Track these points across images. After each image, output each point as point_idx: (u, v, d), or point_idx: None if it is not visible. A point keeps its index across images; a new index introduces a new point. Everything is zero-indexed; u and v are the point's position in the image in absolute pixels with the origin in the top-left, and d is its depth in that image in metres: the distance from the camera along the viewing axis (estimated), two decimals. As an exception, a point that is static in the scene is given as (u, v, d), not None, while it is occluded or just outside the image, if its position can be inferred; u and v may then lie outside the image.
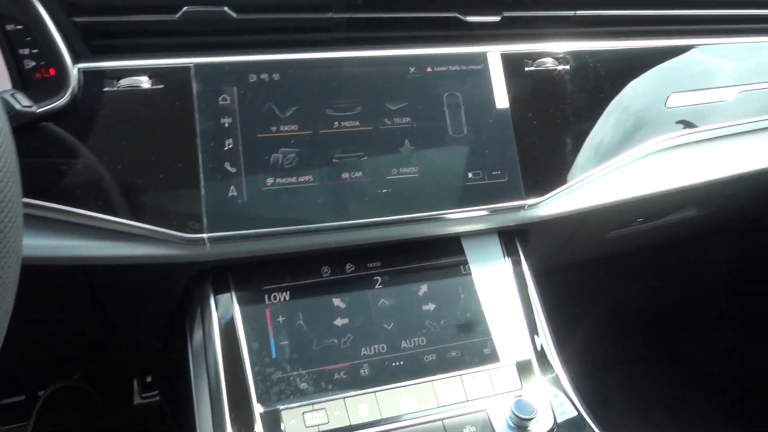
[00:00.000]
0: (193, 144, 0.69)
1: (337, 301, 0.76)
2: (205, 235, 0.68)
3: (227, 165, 0.70)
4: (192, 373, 0.73)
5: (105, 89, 0.67)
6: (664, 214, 1.03)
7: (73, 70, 0.66)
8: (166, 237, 0.68)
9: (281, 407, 0.68)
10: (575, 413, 0.72)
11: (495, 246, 0.84)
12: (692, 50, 0.90)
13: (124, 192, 0.67)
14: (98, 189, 0.66)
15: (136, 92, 0.68)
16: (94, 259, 0.68)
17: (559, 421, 0.71)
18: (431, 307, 0.78)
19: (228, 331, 0.71)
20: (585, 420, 0.71)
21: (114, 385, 1.36)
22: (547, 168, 0.81)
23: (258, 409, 0.67)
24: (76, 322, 0.99)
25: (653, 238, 1.14)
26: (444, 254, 0.81)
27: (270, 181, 0.71)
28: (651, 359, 1.69)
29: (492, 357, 0.76)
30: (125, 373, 1.38)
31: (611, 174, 0.85)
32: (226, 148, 0.70)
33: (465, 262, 0.81)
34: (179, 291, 0.77)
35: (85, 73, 0.67)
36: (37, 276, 0.67)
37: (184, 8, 0.69)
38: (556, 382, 0.75)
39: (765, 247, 1.43)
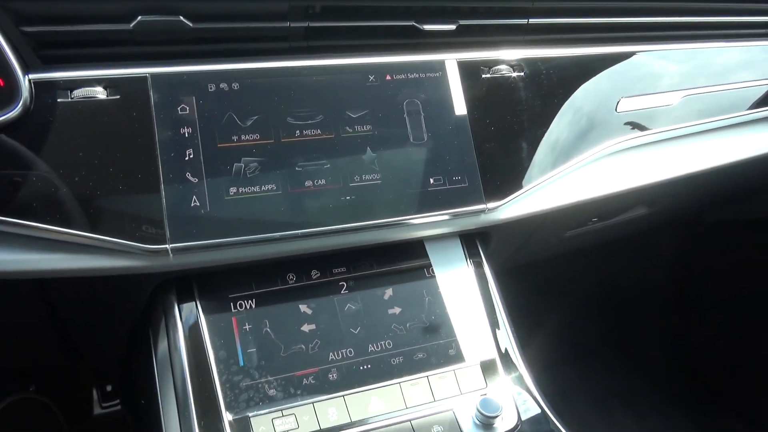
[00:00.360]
0: (152, 155, 0.69)
1: (303, 308, 0.76)
2: (168, 246, 0.68)
3: (188, 175, 0.70)
4: (158, 383, 0.73)
5: (59, 100, 0.66)
6: (617, 214, 1.07)
7: (24, 81, 0.65)
8: (127, 248, 0.67)
9: (250, 414, 0.68)
10: (538, 410, 0.75)
11: (457, 249, 0.86)
12: (639, 55, 0.95)
13: (82, 204, 0.66)
14: (55, 201, 0.65)
15: (92, 103, 0.67)
16: (53, 272, 0.66)
17: (523, 418, 0.73)
18: (397, 310, 0.79)
19: (194, 340, 0.71)
20: (548, 416, 0.74)
21: (73, 396, 1.32)
22: (506, 172, 0.84)
23: (227, 416, 0.67)
24: (31, 335, 0.97)
25: (607, 235, 1.19)
26: (408, 258, 0.83)
27: (233, 190, 0.71)
28: (605, 351, 1.75)
29: (457, 357, 0.78)
30: (84, 382, 1.35)
31: (567, 177, 0.88)
32: (186, 159, 0.70)
33: (429, 266, 0.83)
34: (143, 302, 0.76)
35: (37, 84, 0.66)
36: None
37: (139, 18, 0.68)
38: (520, 380, 0.78)
39: (706, 240, 1.50)
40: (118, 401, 1.34)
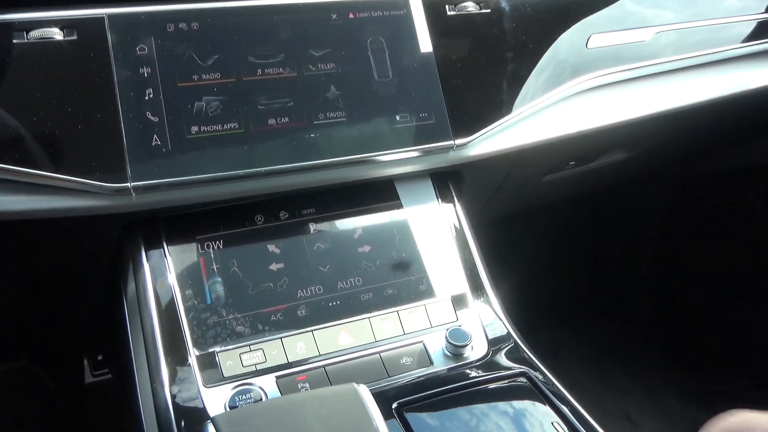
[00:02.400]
0: (111, 94, 0.68)
1: (271, 247, 0.76)
2: (129, 184, 0.68)
3: (148, 114, 0.69)
4: (128, 325, 0.73)
5: (14, 41, 0.66)
6: (594, 157, 1.06)
7: (-22, 23, 0.64)
8: (89, 188, 0.67)
9: (218, 349, 0.68)
10: (509, 339, 0.75)
11: (428, 189, 0.85)
12: (609, -9, 0.93)
13: (42, 144, 0.66)
14: (14, 142, 0.65)
15: (49, 44, 0.67)
16: (14, 214, 0.66)
17: (492, 347, 0.73)
18: (367, 248, 0.79)
19: (161, 280, 0.71)
20: (518, 344, 0.74)
21: (64, 365, 1.33)
22: (474, 109, 0.83)
23: (194, 352, 0.68)
24: (13, 299, 0.97)
25: (588, 184, 1.18)
26: (378, 198, 0.83)
27: (194, 129, 0.71)
28: (597, 310, 1.74)
29: (428, 293, 0.77)
30: (75, 352, 1.35)
31: (537, 115, 0.87)
32: (146, 98, 0.70)
33: (399, 205, 0.83)
34: (111, 248, 0.77)
35: (-8, 25, 0.65)
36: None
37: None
38: (489, 311, 0.78)
39: (696, 192, 1.48)
40: (107, 370, 1.35)
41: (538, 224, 1.53)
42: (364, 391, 0.55)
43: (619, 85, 0.94)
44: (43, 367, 1.26)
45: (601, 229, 1.65)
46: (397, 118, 0.79)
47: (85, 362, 1.36)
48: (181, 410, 0.63)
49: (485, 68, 0.84)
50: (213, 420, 0.51)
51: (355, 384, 0.56)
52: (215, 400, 0.64)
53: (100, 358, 1.37)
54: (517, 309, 0.82)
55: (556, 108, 0.89)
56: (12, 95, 0.66)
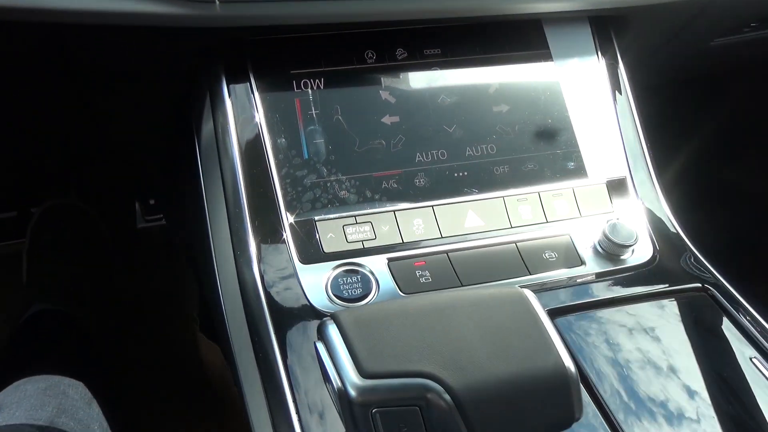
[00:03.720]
0: None
1: (385, 95, 0.59)
2: (213, -12, 0.50)
3: None
4: (202, 178, 0.58)
5: None
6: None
7: None
8: (165, -9, 0.49)
9: (316, 217, 0.54)
10: (678, 242, 0.59)
11: (585, 36, 0.65)
12: None
13: None
14: None
15: None
16: (70, 13, 0.49)
17: (659, 250, 0.57)
18: (504, 108, 0.61)
19: (246, 123, 0.55)
20: (692, 251, 0.58)
21: (114, 208, 1.24)
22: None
23: (287, 218, 0.53)
24: (58, 128, 0.83)
25: (760, 52, 0.94)
26: (521, 43, 0.63)
27: None
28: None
29: (578, 172, 0.60)
30: (126, 195, 1.25)
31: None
32: None
33: (548, 56, 0.63)
34: (182, 76, 0.60)
35: None
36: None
37: None
38: (655, 205, 0.61)
39: None
40: (161, 215, 1.25)
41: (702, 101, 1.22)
42: (534, 300, 0.41)
43: None
44: (93, 207, 1.16)
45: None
46: (569, -70, 0.57)
47: (137, 207, 1.26)
48: (273, 295, 0.49)
49: None
50: (336, 318, 0.37)
51: (519, 288, 0.41)
52: (314, 282, 0.51)
53: (152, 202, 1.26)
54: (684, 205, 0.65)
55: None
56: None
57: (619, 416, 0.44)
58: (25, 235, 1.05)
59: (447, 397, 0.34)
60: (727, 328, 0.51)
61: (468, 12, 0.60)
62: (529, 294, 0.41)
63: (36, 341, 0.88)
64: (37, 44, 0.56)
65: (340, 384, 0.35)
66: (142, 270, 1.25)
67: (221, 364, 0.55)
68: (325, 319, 0.39)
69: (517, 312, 0.39)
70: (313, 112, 0.57)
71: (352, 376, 0.35)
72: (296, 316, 0.49)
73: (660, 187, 0.62)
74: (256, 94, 0.56)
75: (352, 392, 0.34)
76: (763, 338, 0.49)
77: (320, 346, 0.38)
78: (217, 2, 0.51)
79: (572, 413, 0.37)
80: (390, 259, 0.53)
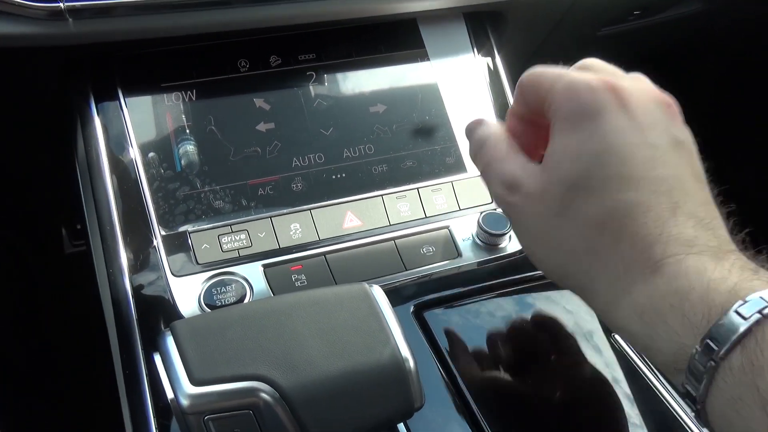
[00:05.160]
0: None
1: (259, 102, 0.59)
2: (62, 4, 0.49)
3: None
4: (82, 194, 0.58)
5: None
6: (666, 5, 0.85)
7: None
8: (16, 11, 0.49)
9: (190, 229, 0.54)
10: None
11: (461, 33, 0.66)
12: None
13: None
14: None
15: None
16: None
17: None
18: (381, 108, 0.62)
19: (116, 140, 0.55)
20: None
21: (40, 235, 1.21)
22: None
23: (160, 231, 0.53)
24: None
25: (649, 42, 0.97)
26: (397, 43, 0.64)
27: (149, -71, 0.51)
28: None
29: (456, 167, 0.61)
30: (51, 221, 1.23)
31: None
32: None
33: (424, 54, 0.65)
34: (50, 94, 0.60)
35: None
36: None
37: None
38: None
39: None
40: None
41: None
42: (378, 293, 0.41)
43: None
44: (18, 235, 1.14)
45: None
46: (428, -70, 0.58)
47: (63, 232, 1.24)
48: (144, 305, 0.49)
49: None
50: (172, 328, 0.37)
51: (365, 284, 0.42)
52: (187, 293, 0.51)
53: (78, 227, 1.24)
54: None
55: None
56: None
57: (479, 404, 0.44)
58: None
59: (278, 395, 0.35)
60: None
61: (341, 15, 0.61)
62: (375, 289, 0.42)
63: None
64: None
65: (172, 394, 0.35)
66: (70, 297, 1.23)
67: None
68: (164, 330, 0.39)
69: (359, 308, 0.39)
70: (185, 123, 0.57)
71: (184, 385, 0.35)
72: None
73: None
74: (126, 110, 0.56)
75: (183, 401, 0.34)
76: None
77: (157, 358, 0.38)
78: (69, 18, 0.51)
79: (411, 402, 0.37)
80: (265, 266, 0.53)
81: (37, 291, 1.11)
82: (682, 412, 0.46)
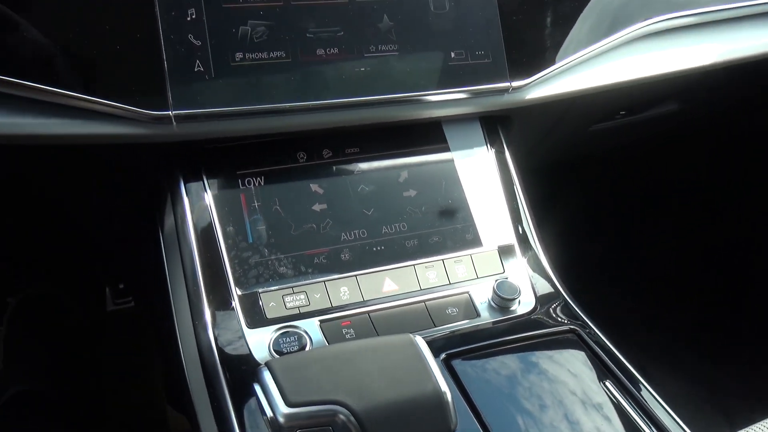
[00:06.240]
0: (151, 13, 0.63)
1: (314, 187, 0.73)
2: (171, 112, 0.63)
3: (191, 37, 0.64)
4: (165, 262, 0.70)
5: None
6: (647, 107, 1.01)
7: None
8: (128, 114, 0.63)
9: (260, 290, 0.66)
10: (557, 295, 0.72)
11: (477, 132, 0.81)
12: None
13: (75, 63, 0.62)
14: (44, 59, 0.61)
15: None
16: (49, 137, 0.63)
17: (541, 302, 0.71)
18: (412, 193, 0.75)
19: (201, 216, 0.68)
20: (567, 300, 0.71)
21: (86, 293, 1.33)
22: (533, 49, 0.78)
23: (236, 291, 0.65)
24: (30, 224, 0.95)
25: (634, 134, 1.13)
26: (425, 140, 0.78)
27: (239, 56, 0.66)
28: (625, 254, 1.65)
29: (474, 242, 0.74)
30: (96, 281, 1.35)
31: (598, 58, 0.82)
32: (189, 19, 0.65)
33: (446, 149, 0.79)
34: (143, 178, 0.73)
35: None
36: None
37: None
38: (538, 265, 0.75)
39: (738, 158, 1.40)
40: (131, 298, 1.35)
41: (583, 175, 1.45)
42: (421, 342, 0.53)
43: (685, 30, 0.88)
44: (65, 292, 1.25)
45: (633, 181, 1.56)
46: (452, 54, 0.73)
47: (107, 291, 1.36)
48: (225, 353, 0.61)
49: (547, 5, 0.78)
50: (268, 365, 0.49)
51: (410, 335, 0.54)
52: (259, 342, 0.63)
53: (121, 286, 1.36)
54: (564, 264, 0.79)
55: (617, 53, 0.83)
56: (45, 10, 0.61)
57: (495, 428, 0.56)
58: (2, 323, 1.14)
59: (352, 417, 0.46)
60: (589, 358, 0.64)
61: (381, 119, 0.75)
62: (418, 339, 0.53)
63: (15, 424, 0.96)
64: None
65: (271, 413, 0.46)
66: (112, 349, 1.33)
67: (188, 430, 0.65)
68: (260, 366, 0.50)
69: (407, 353, 0.51)
70: (256, 204, 0.70)
71: (280, 406, 0.46)
72: (245, 370, 0.60)
73: (542, 249, 0.76)
74: (209, 191, 0.70)
75: (281, 419, 0.46)
76: (614, 365, 0.62)
77: (257, 387, 0.49)
78: (174, 123, 0.65)
79: (448, 425, 0.48)
80: (321, 321, 0.65)
81: (83, 344, 1.21)
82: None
